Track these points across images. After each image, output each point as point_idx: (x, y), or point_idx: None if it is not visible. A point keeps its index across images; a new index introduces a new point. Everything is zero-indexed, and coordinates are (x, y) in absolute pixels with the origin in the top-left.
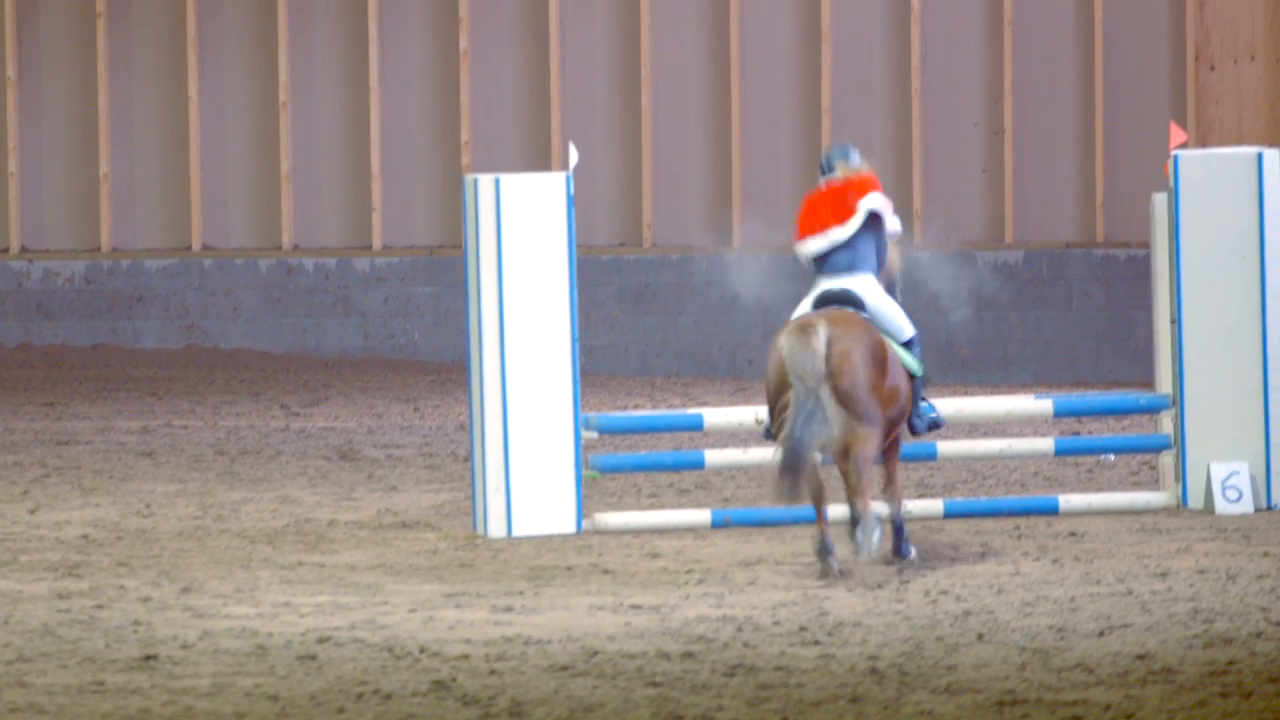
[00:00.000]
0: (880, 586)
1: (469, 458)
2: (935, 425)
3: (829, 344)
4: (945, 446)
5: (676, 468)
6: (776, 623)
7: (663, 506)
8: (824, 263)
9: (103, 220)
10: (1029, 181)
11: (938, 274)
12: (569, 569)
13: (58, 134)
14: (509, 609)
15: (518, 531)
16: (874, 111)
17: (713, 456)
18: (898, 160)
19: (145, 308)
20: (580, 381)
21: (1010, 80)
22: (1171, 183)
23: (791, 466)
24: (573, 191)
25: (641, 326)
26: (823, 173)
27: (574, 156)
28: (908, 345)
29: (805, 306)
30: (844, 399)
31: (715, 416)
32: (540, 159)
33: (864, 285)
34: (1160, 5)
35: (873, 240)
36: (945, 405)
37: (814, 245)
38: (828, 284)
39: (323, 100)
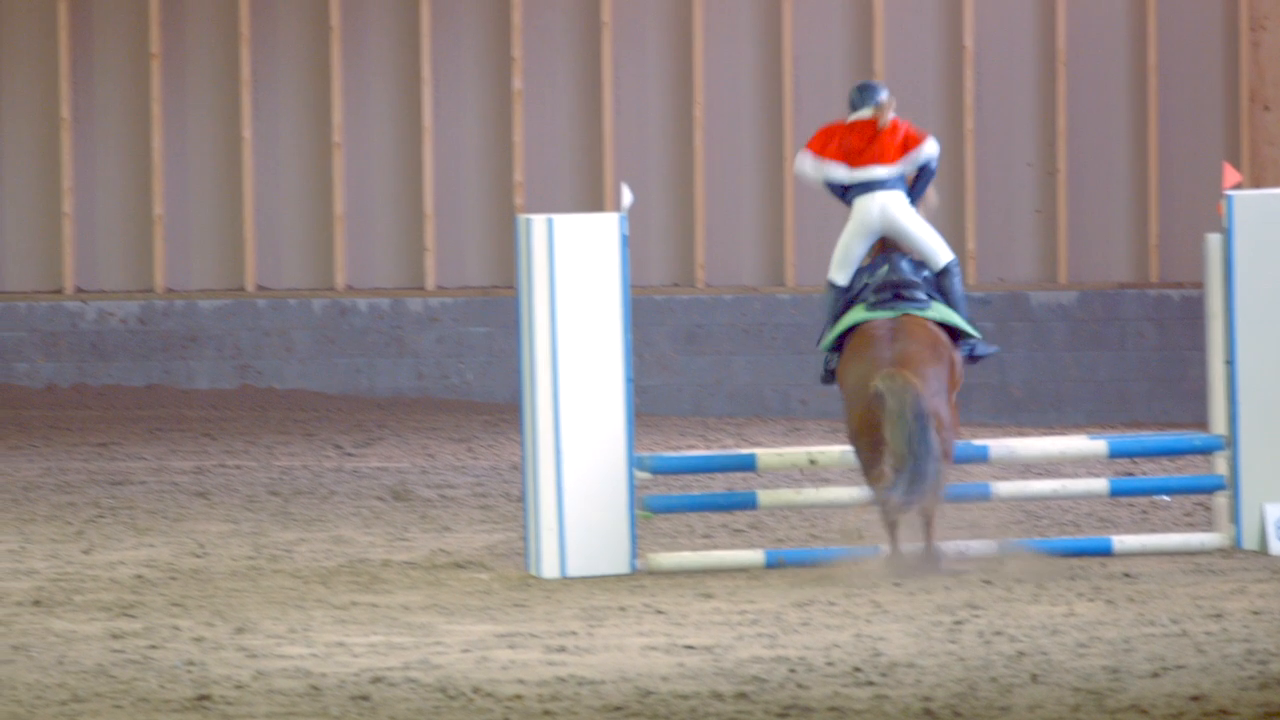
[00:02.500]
0: (935, 626)
1: (522, 498)
2: (982, 354)
3: (919, 397)
4: (999, 487)
5: (730, 508)
6: (830, 663)
7: (716, 547)
8: (854, 191)
9: (157, 261)
10: (1082, 222)
11: (992, 314)
12: (622, 609)
13: (112, 174)
14: (562, 649)
15: (571, 572)
16: None
17: (766, 497)
18: (951, 199)
19: (199, 348)
20: (634, 422)
21: (1064, 121)
22: (1225, 223)
23: (914, 495)
24: (627, 232)
25: (694, 367)
26: (853, 108)
27: (628, 197)
28: (945, 272)
29: (862, 237)
30: (941, 423)
31: (768, 457)
32: (593, 199)
33: (898, 203)
34: (1214, 46)
35: (902, 177)
36: (999, 446)
37: (844, 175)
38: (876, 206)
39: (376, 141)
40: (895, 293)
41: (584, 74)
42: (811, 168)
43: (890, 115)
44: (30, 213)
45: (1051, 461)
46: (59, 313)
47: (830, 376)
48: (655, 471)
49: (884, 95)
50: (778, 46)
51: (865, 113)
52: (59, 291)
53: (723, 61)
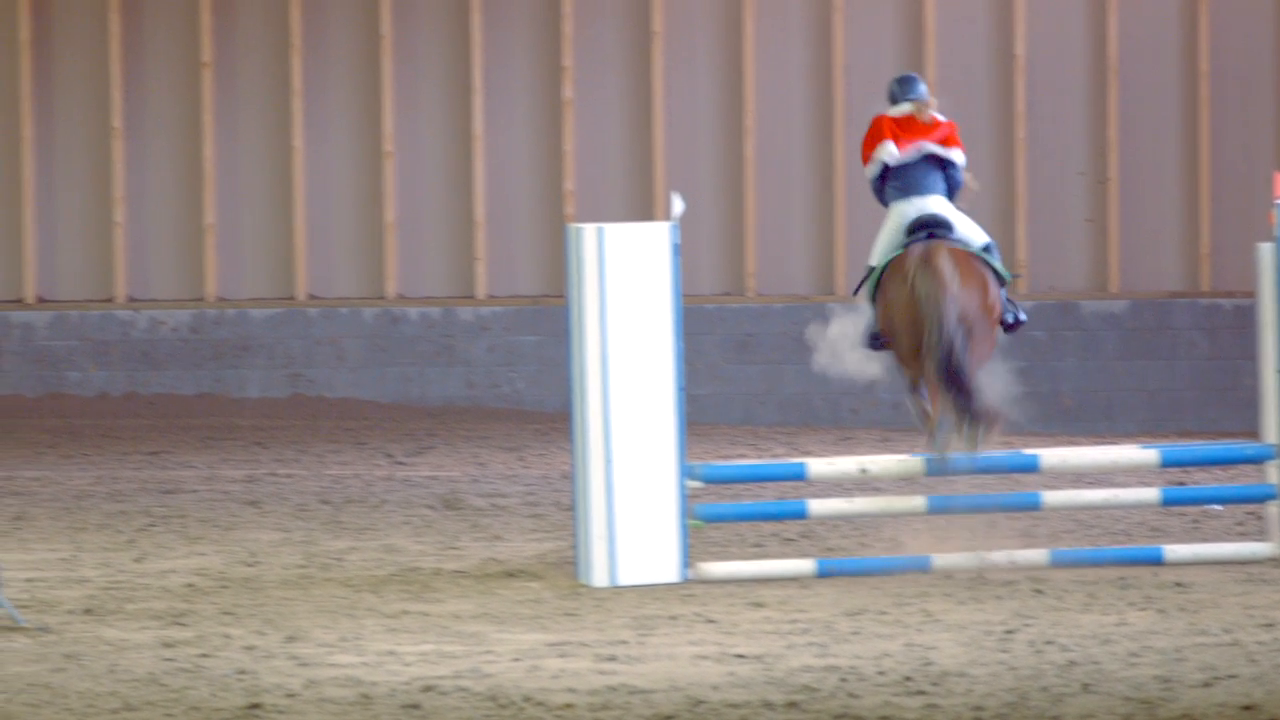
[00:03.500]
0: (986, 634)
1: (573, 507)
2: (1019, 321)
3: (954, 281)
4: (1050, 496)
5: (780, 517)
6: (881, 672)
7: (767, 556)
8: (900, 182)
9: (208, 269)
10: (1133, 231)
11: (1044, 323)
12: (673, 618)
13: (163, 184)
14: (613, 658)
15: (622, 580)
16: (979, 160)
17: (816, 506)
18: (1002, 208)
19: (250, 357)
20: (685, 431)
21: (1115, 130)
22: (1276, 232)
23: (954, 377)
24: (678, 241)
25: (745, 376)
26: (893, 101)
27: (679, 206)
28: (986, 250)
29: (897, 232)
30: (971, 325)
31: (819, 466)
32: (644, 208)
33: (941, 205)
34: (1266, 55)
35: (940, 173)
36: (1050, 455)
37: (896, 153)
38: (913, 209)
39: (427, 150)
40: (929, 232)
41: (634, 83)
42: (882, 159)
43: (931, 112)
44: (82, 222)
45: (1103, 471)
46: (111, 322)
47: (874, 340)
48: (706, 481)
49: (923, 89)
50: (828, 55)
51: (906, 107)
52: (111, 300)
53: (773, 70)
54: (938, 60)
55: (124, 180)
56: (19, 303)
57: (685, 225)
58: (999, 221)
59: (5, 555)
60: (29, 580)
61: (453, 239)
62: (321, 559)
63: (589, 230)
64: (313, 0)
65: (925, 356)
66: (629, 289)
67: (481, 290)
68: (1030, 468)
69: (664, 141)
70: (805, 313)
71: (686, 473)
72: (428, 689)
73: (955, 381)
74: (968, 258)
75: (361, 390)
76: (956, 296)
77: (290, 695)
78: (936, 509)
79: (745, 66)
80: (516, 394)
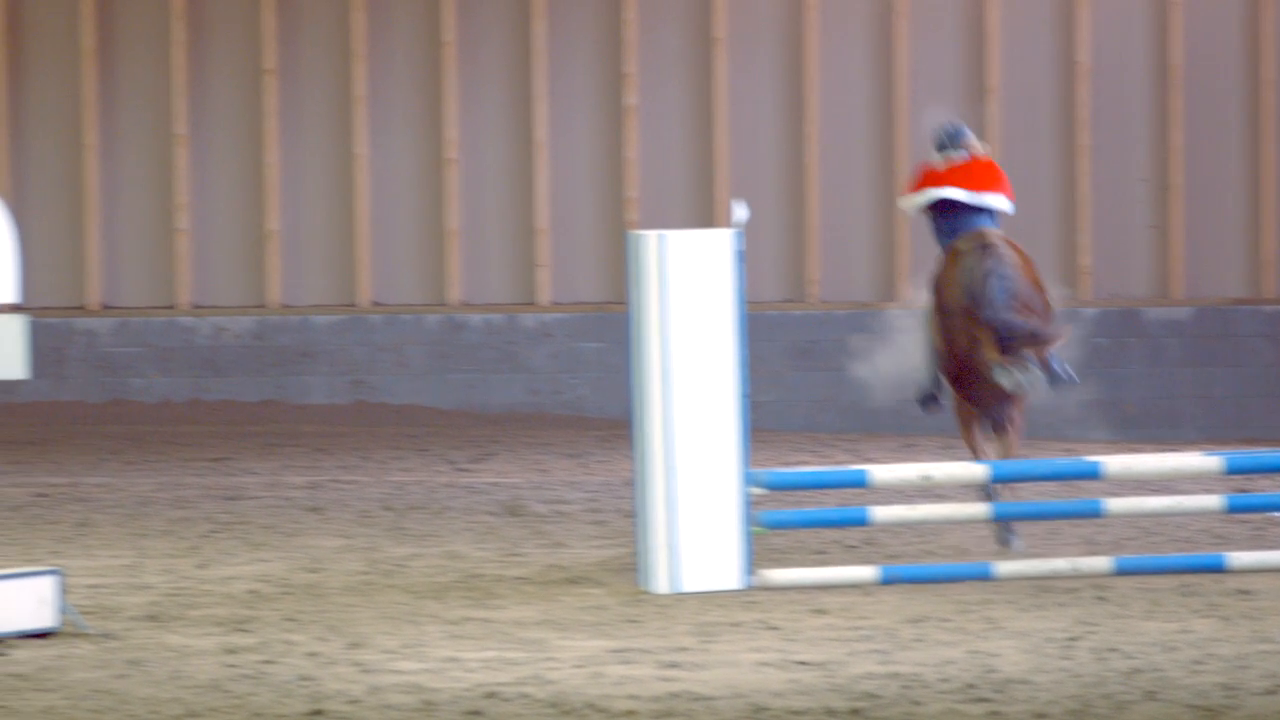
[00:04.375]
0: (1048, 642)
1: (635, 513)
2: (1067, 378)
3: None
4: (1113, 504)
5: (842, 524)
6: (944, 680)
7: (829, 563)
8: (949, 225)
9: (271, 276)
10: (1197, 237)
11: (1107, 329)
12: (735, 625)
13: (227, 190)
14: (675, 665)
15: (684, 587)
16: (1041, 166)
17: (879, 513)
18: (1064, 215)
19: (313, 363)
20: (748, 437)
21: (1178, 136)
22: None
23: (1002, 312)
24: (741, 248)
25: (807, 382)
26: (941, 148)
27: (742, 213)
28: None
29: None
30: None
31: (881, 472)
32: (706, 215)
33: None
34: None
35: (989, 215)
36: (1113, 462)
37: (958, 195)
38: (971, 231)
39: (489, 156)
40: (980, 243)
41: (697, 89)
42: (931, 199)
43: (976, 152)
44: (146, 229)
45: (1166, 478)
46: (174, 328)
47: (927, 399)
48: (768, 487)
49: (970, 136)
50: (890, 61)
51: (954, 154)
52: (174, 307)
53: (835, 76)
54: (1002, 67)
55: (187, 187)
56: (82, 309)
57: (747, 232)
58: (1061, 228)
59: (69, 562)
60: (93, 586)
61: (515, 246)
62: (384, 565)
63: (650, 237)
64: (376, 7)
65: (977, 305)
66: (691, 296)
67: (544, 297)
68: (1093, 474)
69: (726, 148)
70: (867, 319)
71: (749, 479)
72: (490, 695)
73: (1007, 318)
74: (1019, 249)
75: (424, 397)
76: (1004, 258)
77: (352, 702)
78: (1000, 516)
79: (807, 72)
80: (579, 400)
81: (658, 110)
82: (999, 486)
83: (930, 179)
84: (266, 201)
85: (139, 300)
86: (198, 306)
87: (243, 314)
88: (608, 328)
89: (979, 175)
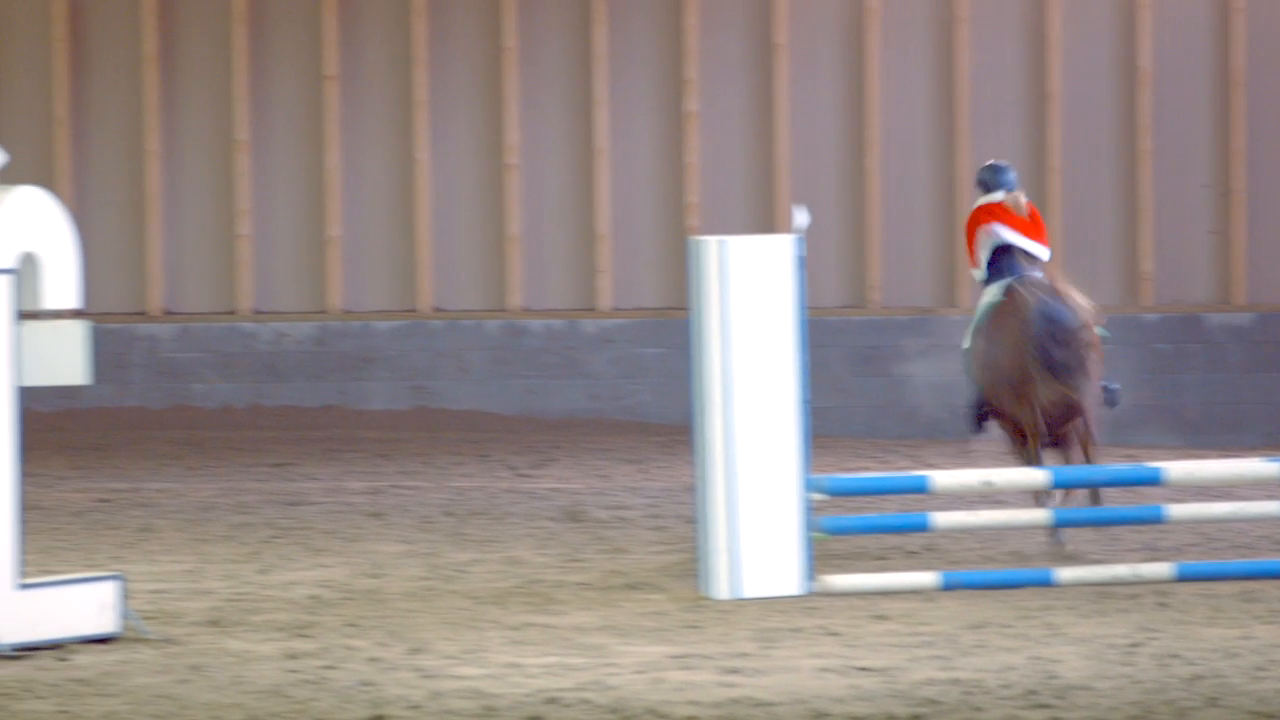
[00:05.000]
0: (1110, 648)
1: (695, 519)
2: (1114, 396)
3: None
4: (1174, 510)
5: (903, 530)
6: (1005, 685)
7: (890, 569)
8: (999, 262)
9: (332, 282)
10: (1259, 243)
11: (1168, 335)
12: (796, 631)
13: (288, 196)
14: (736, 671)
15: (745, 593)
16: (1102, 172)
17: (940, 519)
18: (1125, 221)
19: (374, 369)
20: (809, 443)
21: (1240, 141)
22: None
23: (1058, 335)
24: (802, 253)
25: (868, 388)
26: (986, 189)
27: (803, 218)
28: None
29: (992, 294)
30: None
31: (942, 478)
32: (766, 220)
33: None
34: None
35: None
36: (1175, 468)
37: (1016, 239)
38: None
39: (550, 162)
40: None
41: (757, 95)
42: (996, 240)
43: (1024, 204)
44: (207, 235)
45: (1227, 484)
46: (235, 334)
47: (977, 420)
48: (829, 493)
49: (1013, 176)
50: (951, 67)
51: (998, 195)
52: (235, 313)
53: (896, 82)
54: (1063, 73)
55: (249, 193)
56: (144, 315)
57: (808, 237)
58: (1122, 234)
59: (131, 567)
60: (154, 592)
61: (576, 251)
62: (445, 571)
63: (711, 243)
64: (437, 12)
65: (1028, 347)
66: (751, 301)
67: (604, 303)
68: (1154, 480)
69: (787, 153)
70: (928, 325)
71: (809, 485)
72: (551, 701)
73: (1059, 363)
74: (1070, 288)
75: (484, 402)
76: (1058, 296)
77: (414, 707)
78: (1061, 522)
79: (868, 78)
80: (639, 406)
81: (718, 115)
82: (1061, 492)
83: (992, 217)
84: (327, 207)
85: (200, 305)
86: (259, 312)
87: (304, 319)
88: (668, 333)
89: (1032, 223)
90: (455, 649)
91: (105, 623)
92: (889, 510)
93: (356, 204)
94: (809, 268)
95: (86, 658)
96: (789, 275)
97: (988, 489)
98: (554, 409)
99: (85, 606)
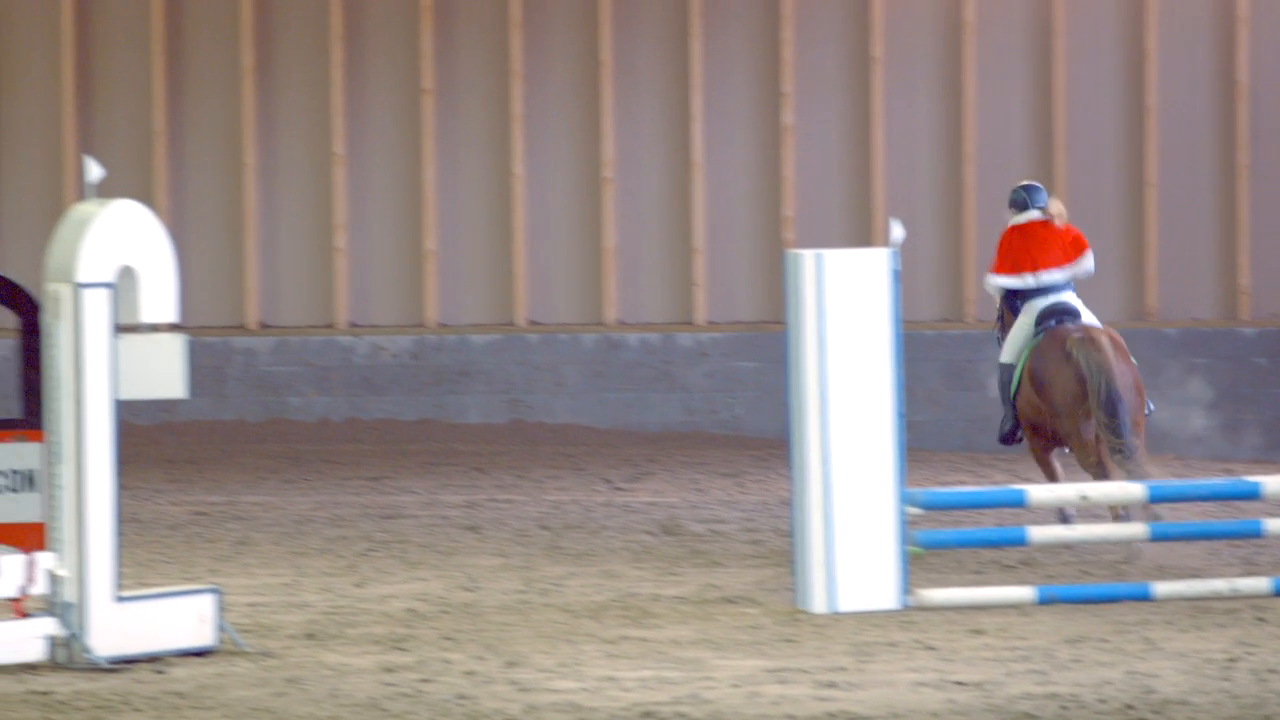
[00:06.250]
0: (1208, 663)
1: (791, 533)
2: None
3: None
4: (1272, 524)
5: (1000, 544)
6: (1101, 700)
7: (986, 583)
8: (1029, 294)
9: (429, 295)
10: None
11: (1266, 349)
12: (892, 645)
13: (384, 210)
14: (832, 684)
15: (841, 607)
16: (1199, 185)
17: (1036, 533)
18: (1222, 235)
19: (470, 382)
20: (904, 457)
21: None
22: None
23: (1115, 412)
24: (898, 267)
25: (964, 402)
26: (1021, 208)
27: (899, 232)
28: None
29: (1029, 325)
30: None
31: (1039, 492)
32: (863, 234)
33: (1071, 298)
34: None
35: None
36: (1273, 482)
37: (1055, 278)
38: (1045, 301)
39: (646, 175)
40: (1058, 319)
41: (854, 109)
42: (1001, 283)
43: (1060, 220)
44: (304, 248)
45: None
46: (332, 347)
47: (1006, 436)
48: (926, 507)
49: (1046, 196)
50: (1049, 79)
51: (1034, 214)
52: (332, 326)
53: (993, 95)
54: (1160, 87)
55: (345, 206)
56: (241, 328)
57: (904, 251)
58: (1220, 247)
59: (228, 580)
60: (251, 605)
61: (672, 265)
62: (541, 584)
63: (808, 256)
64: (533, 26)
65: (1093, 409)
66: (848, 315)
67: (701, 316)
68: (1252, 495)
69: (883, 167)
70: None
71: (906, 499)
72: (646, 715)
73: (1121, 432)
74: (1118, 340)
75: (581, 416)
76: (1120, 369)
77: None
78: (1158, 537)
79: (965, 91)
80: (735, 420)
81: (815, 129)
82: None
83: (1020, 258)
84: (424, 221)
85: (297, 319)
86: (356, 325)
87: (400, 333)
88: (764, 347)
89: (1066, 244)
90: (551, 662)
91: (202, 635)
92: (986, 524)
93: (453, 217)
94: (905, 281)
95: (184, 670)
96: (885, 289)
97: (1084, 503)
98: (650, 422)
99: (182, 619)
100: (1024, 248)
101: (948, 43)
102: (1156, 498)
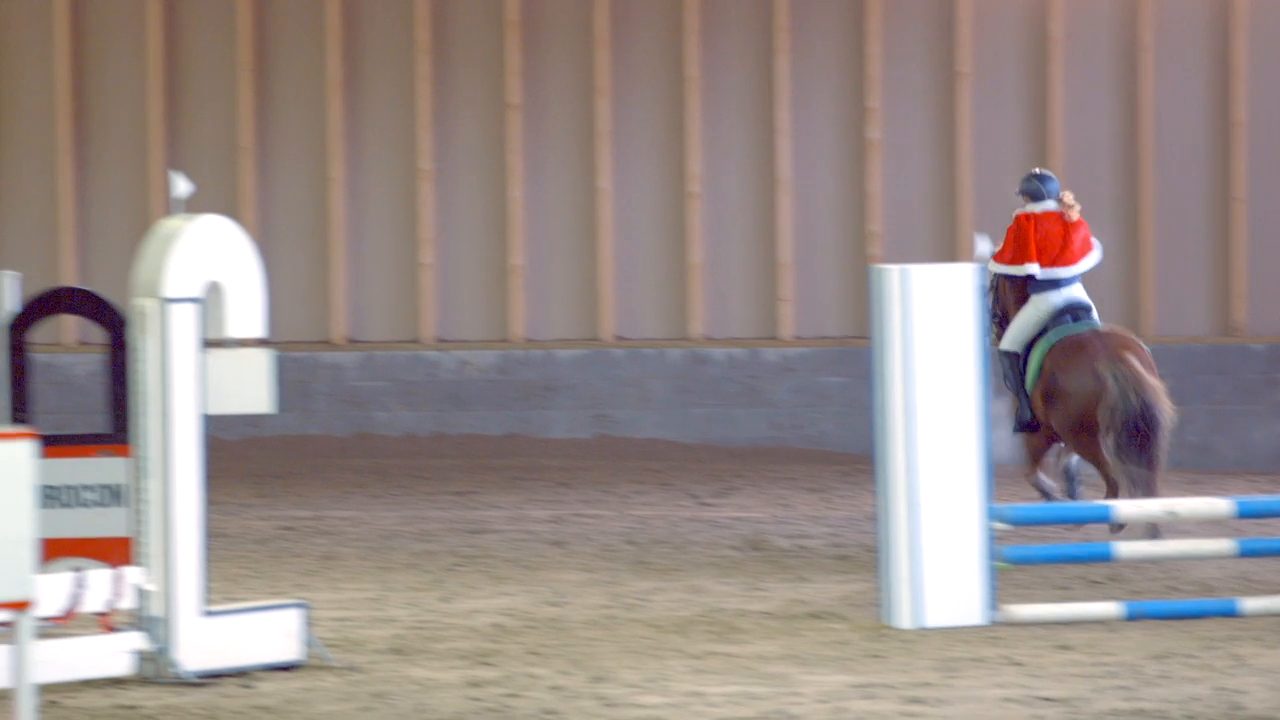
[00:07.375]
0: None
1: (877, 548)
2: None
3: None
4: None
5: (1087, 559)
6: (1189, 716)
7: (1073, 598)
8: (1037, 286)
9: (515, 310)
10: None
11: None
12: (978, 660)
13: (471, 225)
14: (918, 700)
15: (927, 622)
16: None
17: (1123, 548)
18: None
19: (556, 397)
20: (991, 472)
21: None
22: None
23: (1150, 423)
24: (985, 282)
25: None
26: (1035, 198)
27: (983, 247)
28: None
29: (1038, 319)
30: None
31: (1126, 508)
32: (948, 249)
33: (1081, 292)
34: None
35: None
36: None
37: (1067, 273)
38: (1059, 297)
39: (732, 191)
40: (1074, 315)
41: (940, 124)
42: (1004, 271)
43: (1075, 212)
44: (390, 263)
45: None
46: (419, 362)
47: (1025, 425)
48: (1012, 522)
49: (1058, 186)
50: (1135, 96)
51: (1049, 204)
52: (418, 341)
53: (1079, 110)
54: (1249, 100)
55: (432, 221)
56: (328, 343)
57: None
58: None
59: (315, 594)
60: (338, 619)
61: (758, 280)
62: (627, 599)
63: (893, 271)
64: (619, 43)
65: (1117, 433)
66: (933, 330)
67: (787, 331)
68: None
69: (969, 182)
70: None
71: (992, 514)
72: None
73: (1148, 455)
74: (1145, 354)
75: (666, 431)
76: (1154, 393)
77: None
78: (1246, 553)
79: (1051, 106)
80: (821, 435)
81: (900, 144)
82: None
83: (1031, 249)
84: (510, 236)
85: (384, 334)
86: (442, 340)
87: (486, 348)
88: (850, 362)
89: (1076, 240)
90: (637, 677)
91: (289, 650)
92: (1072, 540)
93: (539, 232)
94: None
95: (271, 685)
96: (971, 304)
97: (1171, 519)
98: (736, 437)
99: (270, 634)
100: (1037, 240)
101: (1033, 57)
102: (1245, 513)
